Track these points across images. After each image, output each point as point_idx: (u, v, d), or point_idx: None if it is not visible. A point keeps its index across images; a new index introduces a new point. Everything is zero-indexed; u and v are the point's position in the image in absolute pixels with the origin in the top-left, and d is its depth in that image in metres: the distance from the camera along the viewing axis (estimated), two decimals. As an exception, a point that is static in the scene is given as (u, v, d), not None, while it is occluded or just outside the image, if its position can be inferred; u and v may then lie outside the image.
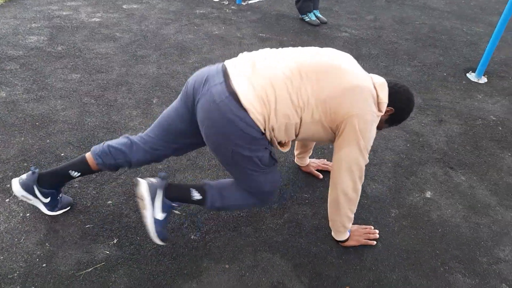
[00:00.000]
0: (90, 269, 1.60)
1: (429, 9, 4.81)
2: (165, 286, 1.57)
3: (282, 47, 1.61)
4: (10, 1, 3.93)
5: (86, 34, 3.42)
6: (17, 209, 1.81)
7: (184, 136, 1.66)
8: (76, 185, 1.95)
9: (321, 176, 2.15)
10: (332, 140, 1.62)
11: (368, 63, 3.42)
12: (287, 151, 1.80)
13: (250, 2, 4.55)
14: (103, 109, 2.52)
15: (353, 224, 1.78)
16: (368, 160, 1.59)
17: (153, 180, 1.58)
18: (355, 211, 1.69)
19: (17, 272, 1.56)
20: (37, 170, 1.68)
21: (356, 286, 1.64)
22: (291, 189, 2.07)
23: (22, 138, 2.21)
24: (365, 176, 1.68)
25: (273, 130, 1.49)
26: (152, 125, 1.71)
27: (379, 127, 1.67)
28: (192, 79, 1.55)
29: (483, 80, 3.32)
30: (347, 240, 1.77)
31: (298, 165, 2.19)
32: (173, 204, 1.60)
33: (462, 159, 2.41)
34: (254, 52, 1.59)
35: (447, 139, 2.58)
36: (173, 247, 1.71)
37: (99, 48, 3.22)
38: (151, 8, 4.11)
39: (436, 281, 1.69)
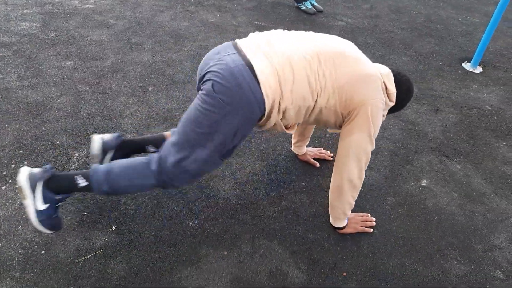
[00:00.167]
0: (89, 256, 1.60)
1: (425, -1, 4.80)
2: (164, 272, 1.57)
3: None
4: (1, -14, 3.85)
5: (79, 21, 3.37)
6: (13, 196, 1.79)
7: None
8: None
9: (318, 164, 2.16)
10: (338, 126, 1.63)
11: (365, 52, 3.33)
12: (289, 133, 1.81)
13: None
14: (98, 96, 2.49)
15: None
16: (374, 146, 1.60)
17: (34, 170, 1.53)
18: (356, 198, 1.71)
19: (16, 259, 1.56)
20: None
21: (353, 272, 1.66)
22: (288, 178, 2.08)
23: (17, 126, 2.19)
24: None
25: (284, 111, 1.47)
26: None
27: None
28: (203, 60, 1.52)
29: (479, 70, 3.34)
30: (344, 227, 1.78)
31: (295, 153, 2.20)
32: (57, 197, 1.53)
33: (458, 148, 2.43)
34: (266, 32, 1.57)
35: (442, 128, 2.59)
36: (171, 234, 1.72)
37: (93, 35, 3.18)
38: (146, -5, 4.05)
39: (432, 267, 1.71)
